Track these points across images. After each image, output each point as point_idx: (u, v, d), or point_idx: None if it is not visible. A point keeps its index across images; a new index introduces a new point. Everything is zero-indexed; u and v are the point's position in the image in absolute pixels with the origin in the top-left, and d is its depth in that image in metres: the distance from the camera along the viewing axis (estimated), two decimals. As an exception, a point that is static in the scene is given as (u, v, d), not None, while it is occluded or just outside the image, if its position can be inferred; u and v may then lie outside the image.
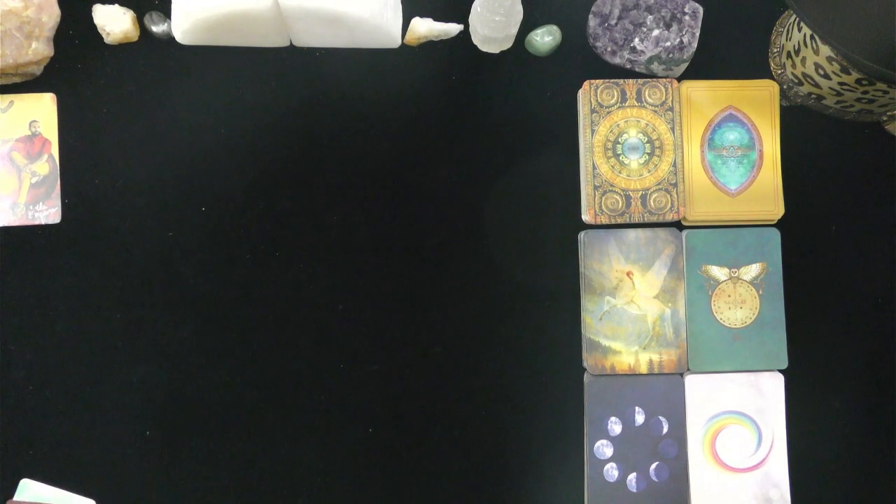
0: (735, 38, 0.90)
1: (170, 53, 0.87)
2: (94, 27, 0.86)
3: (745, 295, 0.86)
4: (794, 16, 0.85)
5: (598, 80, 0.87)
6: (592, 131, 0.87)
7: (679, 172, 0.87)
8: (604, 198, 0.86)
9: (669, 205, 0.86)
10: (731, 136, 0.88)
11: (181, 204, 0.87)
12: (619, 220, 0.86)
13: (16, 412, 0.84)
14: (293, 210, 0.87)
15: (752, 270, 0.87)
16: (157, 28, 0.86)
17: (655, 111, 0.87)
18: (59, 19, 0.85)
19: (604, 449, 0.85)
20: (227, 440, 0.85)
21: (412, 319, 0.87)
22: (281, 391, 0.86)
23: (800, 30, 0.83)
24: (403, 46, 0.88)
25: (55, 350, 0.84)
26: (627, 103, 0.87)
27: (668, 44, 0.87)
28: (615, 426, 0.86)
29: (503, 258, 0.88)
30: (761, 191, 0.87)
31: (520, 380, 0.87)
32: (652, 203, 0.86)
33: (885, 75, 0.73)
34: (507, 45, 0.89)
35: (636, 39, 0.87)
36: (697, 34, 0.87)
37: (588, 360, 0.86)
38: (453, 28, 0.88)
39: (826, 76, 0.83)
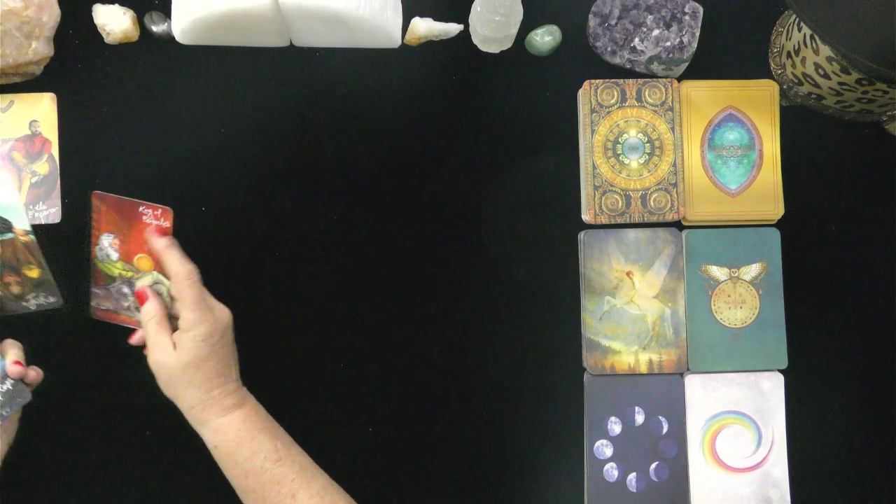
0: (735, 38, 0.90)
1: (170, 53, 0.87)
2: (94, 27, 0.86)
3: (745, 295, 0.87)
4: (795, 16, 0.85)
5: (598, 80, 0.87)
6: (592, 131, 0.87)
7: (679, 172, 0.87)
8: (604, 198, 0.86)
9: (669, 205, 0.86)
10: (731, 136, 0.88)
11: (181, 203, 0.86)
12: (619, 220, 0.86)
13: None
14: (293, 210, 0.87)
15: (752, 270, 0.87)
16: (157, 28, 0.86)
17: (655, 111, 0.87)
18: (59, 19, 0.85)
19: (604, 449, 0.85)
20: (227, 440, 0.84)
21: (412, 319, 0.87)
22: (281, 391, 0.86)
23: (800, 30, 0.83)
24: (403, 46, 0.88)
25: (55, 350, 0.84)
26: (627, 103, 0.87)
27: (668, 44, 0.87)
28: (615, 426, 0.86)
29: (503, 258, 0.88)
30: (761, 191, 0.87)
31: (520, 380, 0.87)
32: (652, 203, 0.86)
33: (885, 75, 0.73)
34: (507, 45, 0.89)
35: (636, 39, 0.87)
36: (697, 34, 0.87)
37: (588, 360, 0.86)
38: (453, 28, 0.88)
39: (826, 76, 0.83)
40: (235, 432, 0.76)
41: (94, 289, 0.82)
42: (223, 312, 0.78)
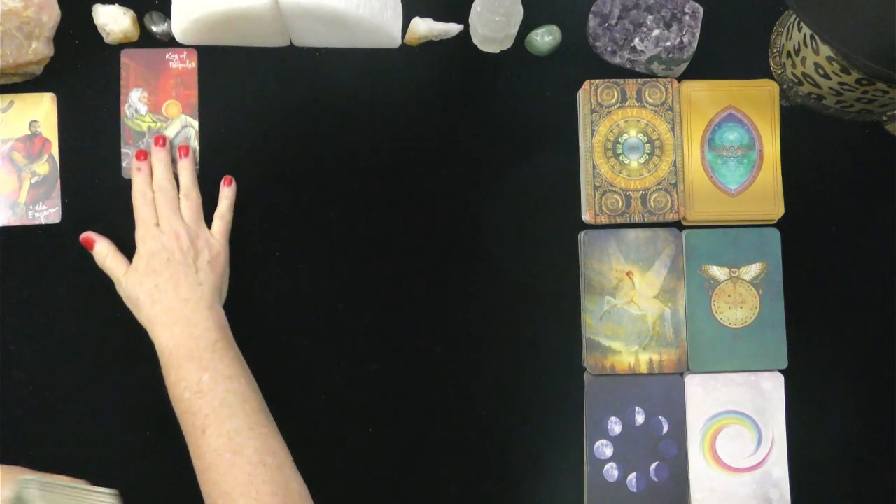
0: (735, 38, 0.90)
1: (170, 53, 0.87)
2: (94, 27, 0.86)
3: (745, 295, 0.86)
4: (794, 16, 0.85)
5: (598, 80, 0.87)
6: (592, 131, 0.87)
7: (679, 172, 0.87)
8: (604, 198, 0.86)
9: (669, 205, 0.86)
10: (731, 136, 0.88)
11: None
12: (619, 220, 0.86)
13: (16, 412, 0.84)
14: (293, 210, 0.87)
15: (752, 270, 0.87)
16: (157, 28, 0.86)
17: (655, 111, 0.87)
18: (59, 19, 0.85)
19: (604, 449, 0.85)
20: (227, 440, 0.84)
21: (412, 319, 0.87)
22: (281, 391, 0.86)
23: (800, 30, 0.83)
24: (403, 46, 0.88)
25: (55, 350, 0.84)
26: (627, 103, 0.87)
27: (668, 44, 0.87)
28: (615, 426, 0.86)
29: (503, 258, 0.88)
30: (761, 191, 0.87)
31: (520, 380, 0.87)
32: (652, 203, 0.86)
33: (885, 75, 0.73)
34: (507, 45, 0.89)
35: (636, 39, 0.87)
36: (697, 34, 0.87)
37: (588, 360, 0.86)
38: (453, 28, 0.88)
39: (826, 76, 0.83)
40: (167, 356, 0.76)
41: (125, 149, 0.85)
42: (165, 241, 0.79)
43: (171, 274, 0.78)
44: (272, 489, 0.72)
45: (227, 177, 0.85)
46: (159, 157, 0.84)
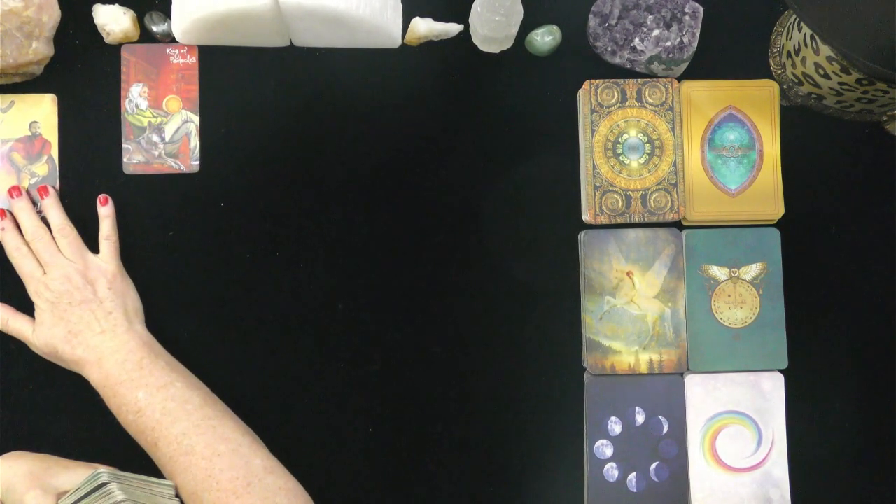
0: (735, 38, 0.90)
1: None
2: (94, 27, 0.86)
3: (745, 295, 0.87)
4: (795, 16, 0.85)
5: (598, 80, 0.87)
6: (592, 131, 0.87)
7: (679, 172, 0.87)
8: (604, 198, 0.86)
9: (669, 205, 0.86)
10: (731, 135, 0.88)
11: (181, 202, 0.87)
12: (619, 220, 0.86)
13: (16, 412, 0.84)
14: (293, 210, 0.87)
15: (752, 270, 0.87)
16: (157, 28, 0.86)
17: (655, 111, 0.87)
18: (59, 19, 0.85)
19: (604, 449, 0.85)
20: (227, 440, 0.84)
21: (412, 319, 0.87)
22: (281, 391, 0.86)
23: (800, 30, 0.83)
24: (403, 46, 0.88)
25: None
26: (627, 103, 0.87)
27: (669, 44, 0.87)
28: (615, 426, 0.86)
29: (503, 258, 0.88)
30: (761, 191, 0.87)
31: (520, 380, 0.87)
32: (652, 203, 0.86)
33: (885, 75, 0.73)
34: (507, 45, 0.89)
35: (636, 39, 0.87)
36: (697, 34, 0.87)
37: (588, 360, 0.86)
38: (453, 28, 0.88)
39: (826, 76, 0.83)
40: (102, 388, 0.78)
41: (126, 144, 0.85)
42: (59, 287, 0.79)
43: (78, 315, 0.79)
44: (231, 474, 0.73)
45: (103, 196, 0.84)
46: (21, 206, 0.83)
